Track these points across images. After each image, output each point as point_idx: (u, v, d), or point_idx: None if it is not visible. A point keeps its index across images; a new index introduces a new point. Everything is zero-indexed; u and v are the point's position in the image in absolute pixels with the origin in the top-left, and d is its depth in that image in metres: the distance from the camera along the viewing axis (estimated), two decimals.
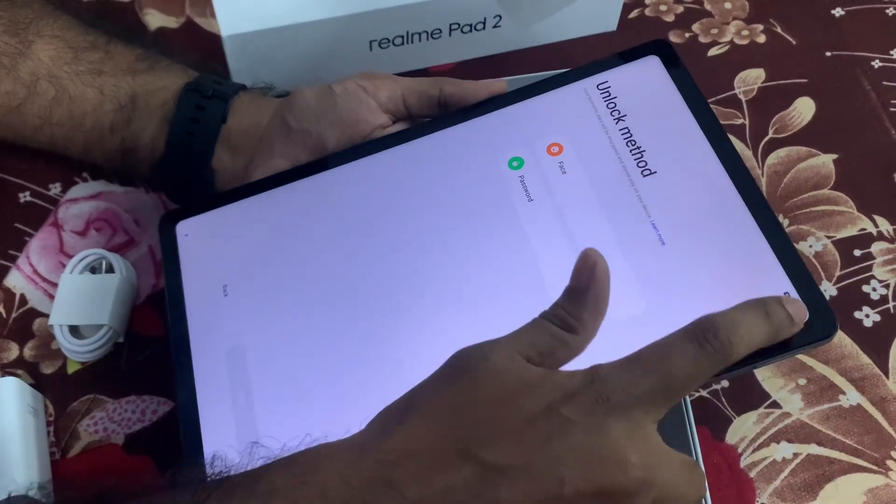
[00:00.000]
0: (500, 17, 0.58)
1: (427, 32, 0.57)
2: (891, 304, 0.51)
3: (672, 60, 0.46)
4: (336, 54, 0.56)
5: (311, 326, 0.43)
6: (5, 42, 0.50)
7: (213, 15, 0.59)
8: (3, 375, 0.48)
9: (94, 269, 0.50)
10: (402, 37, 0.56)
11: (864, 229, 0.54)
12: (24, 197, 0.54)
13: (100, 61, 0.51)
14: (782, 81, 0.60)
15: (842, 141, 0.57)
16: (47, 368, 0.49)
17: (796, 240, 0.53)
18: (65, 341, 0.48)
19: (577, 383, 0.32)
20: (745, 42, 0.62)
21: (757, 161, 0.56)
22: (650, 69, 0.46)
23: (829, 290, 0.51)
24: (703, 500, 0.42)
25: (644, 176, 0.43)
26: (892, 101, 0.59)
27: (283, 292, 0.44)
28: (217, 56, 0.55)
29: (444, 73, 0.60)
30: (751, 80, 0.60)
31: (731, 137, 0.56)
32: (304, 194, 0.47)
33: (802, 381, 0.48)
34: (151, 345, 0.49)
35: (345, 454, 0.32)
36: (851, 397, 0.48)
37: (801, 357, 0.49)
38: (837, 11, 0.63)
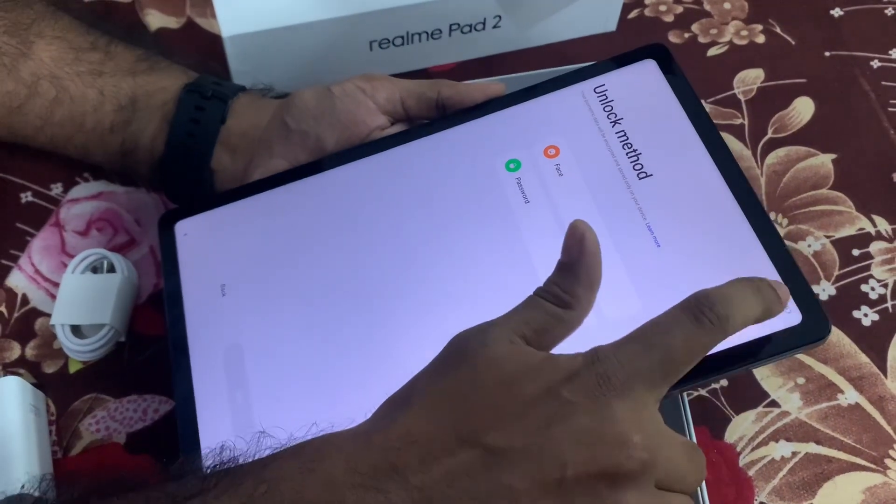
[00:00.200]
0: (500, 17, 0.58)
1: (427, 33, 0.57)
2: (889, 304, 0.51)
3: (668, 64, 0.46)
4: (336, 55, 0.56)
5: (309, 326, 0.43)
6: (6, 42, 0.50)
7: (213, 15, 0.59)
8: (5, 375, 0.48)
9: (95, 269, 0.50)
10: (403, 37, 0.57)
11: (863, 229, 0.54)
12: (26, 197, 0.55)
13: (100, 62, 0.51)
14: (781, 81, 0.60)
15: (841, 141, 0.57)
16: (49, 368, 0.49)
17: (795, 239, 0.53)
18: (66, 341, 0.48)
19: (578, 365, 0.33)
20: (744, 42, 0.62)
21: (756, 161, 0.56)
22: (647, 73, 0.46)
23: (827, 289, 0.52)
24: (702, 499, 0.42)
25: (640, 179, 0.43)
26: (891, 101, 0.59)
27: (281, 292, 0.44)
28: (217, 56, 0.55)
29: (444, 73, 0.60)
30: (750, 80, 0.60)
31: (731, 137, 0.57)
32: (302, 195, 0.47)
33: (801, 380, 0.49)
34: (153, 344, 0.49)
35: (350, 442, 0.32)
36: (850, 396, 0.48)
37: (800, 356, 0.49)
38: (836, 12, 0.63)
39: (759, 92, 0.59)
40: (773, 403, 0.48)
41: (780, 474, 0.46)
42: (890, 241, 0.53)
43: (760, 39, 0.62)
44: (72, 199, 0.54)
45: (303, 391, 0.42)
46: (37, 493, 0.37)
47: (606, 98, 0.46)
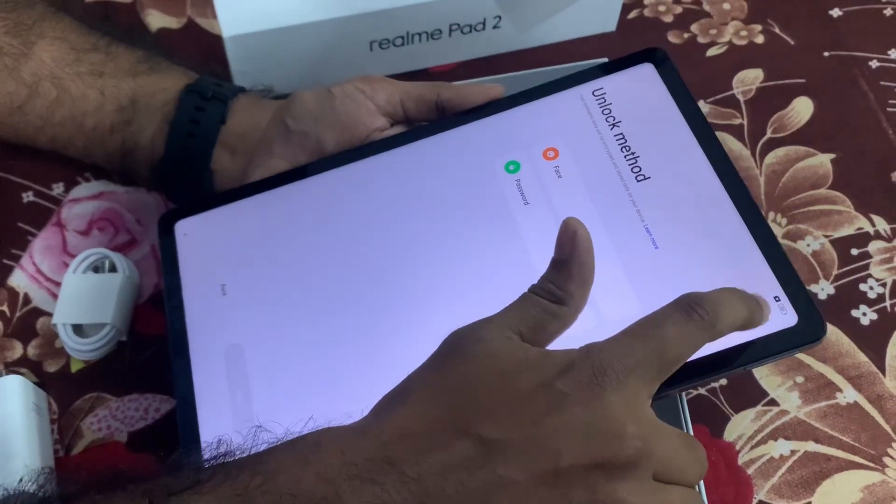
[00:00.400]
0: (500, 17, 0.58)
1: (427, 33, 0.57)
2: (888, 303, 0.51)
3: (666, 68, 0.47)
4: (337, 55, 0.56)
5: (309, 325, 0.43)
6: (8, 43, 0.50)
7: (214, 16, 0.60)
8: (7, 374, 0.48)
9: (97, 269, 0.51)
10: (403, 37, 0.57)
11: (862, 228, 0.54)
12: (28, 197, 0.55)
13: (101, 63, 0.51)
14: (780, 81, 0.60)
15: (840, 141, 0.57)
16: (51, 367, 0.49)
17: (794, 239, 0.54)
18: (68, 340, 0.48)
19: (573, 358, 0.33)
20: (743, 42, 0.62)
21: (755, 161, 0.57)
22: (645, 76, 0.47)
23: (826, 288, 0.52)
24: (701, 498, 0.42)
25: (638, 181, 0.43)
26: (890, 101, 0.59)
27: (280, 291, 0.45)
28: (218, 57, 0.55)
29: (444, 73, 0.60)
30: (749, 80, 0.60)
31: (730, 137, 0.57)
32: (302, 195, 0.47)
33: (800, 379, 0.49)
34: (154, 343, 0.50)
35: (347, 436, 0.33)
36: (848, 395, 0.48)
37: (799, 355, 0.49)
38: (835, 12, 0.64)
39: (759, 92, 0.60)
40: (773, 402, 0.48)
41: (779, 473, 0.46)
42: (888, 240, 0.54)
43: (759, 40, 0.62)
44: (73, 199, 0.55)
45: (303, 390, 0.42)
46: (34, 488, 0.37)
47: (605, 101, 0.46)
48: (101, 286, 0.49)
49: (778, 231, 0.54)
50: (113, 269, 0.50)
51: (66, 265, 0.51)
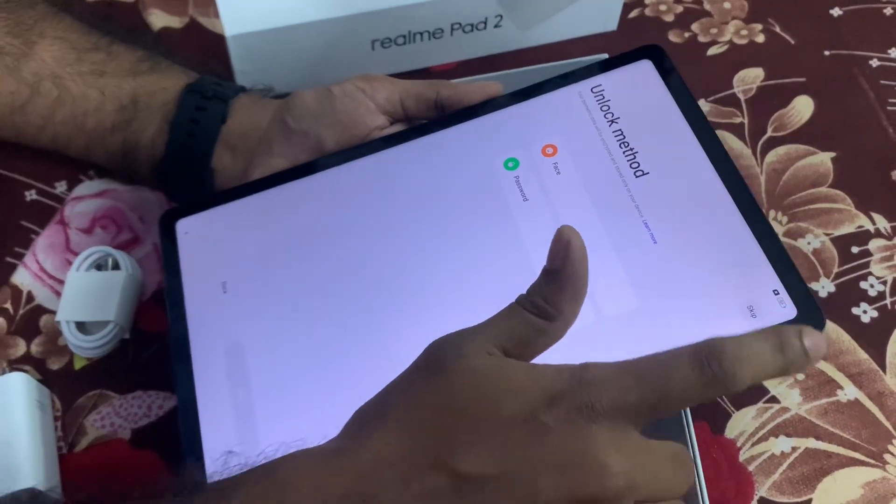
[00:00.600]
0: (501, 17, 0.58)
1: (429, 32, 0.57)
2: (888, 301, 0.52)
3: (664, 65, 0.47)
4: (338, 53, 0.56)
5: (310, 323, 0.43)
6: (9, 43, 0.50)
7: (216, 15, 0.60)
8: (10, 371, 0.48)
9: (99, 267, 0.51)
10: (404, 36, 0.57)
11: (862, 227, 0.54)
12: (31, 195, 0.55)
13: (102, 62, 0.51)
14: (781, 80, 0.60)
15: (840, 139, 0.58)
16: (54, 364, 0.49)
17: (795, 237, 0.54)
18: (71, 337, 0.48)
19: (563, 385, 0.31)
20: (744, 41, 0.62)
21: (756, 159, 0.57)
22: (643, 73, 0.47)
23: (827, 286, 0.52)
24: (701, 494, 0.43)
25: (637, 177, 0.44)
26: (890, 100, 0.59)
27: (281, 290, 0.45)
28: (220, 56, 0.56)
29: (445, 72, 0.60)
30: (750, 79, 0.60)
31: (731, 136, 0.58)
32: (302, 193, 0.47)
33: (801, 377, 0.49)
34: (157, 341, 0.50)
35: (319, 467, 0.31)
36: (849, 392, 0.48)
37: None
38: (836, 11, 0.64)
39: (759, 91, 0.60)
40: (773, 399, 0.48)
41: (780, 469, 0.46)
42: (889, 238, 0.54)
43: (760, 39, 0.62)
44: (76, 197, 0.55)
45: (304, 388, 0.42)
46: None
47: (603, 98, 0.46)
48: (104, 284, 0.49)
49: (779, 229, 0.54)
50: (116, 266, 0.50)
51: (69, 263, 0.51)
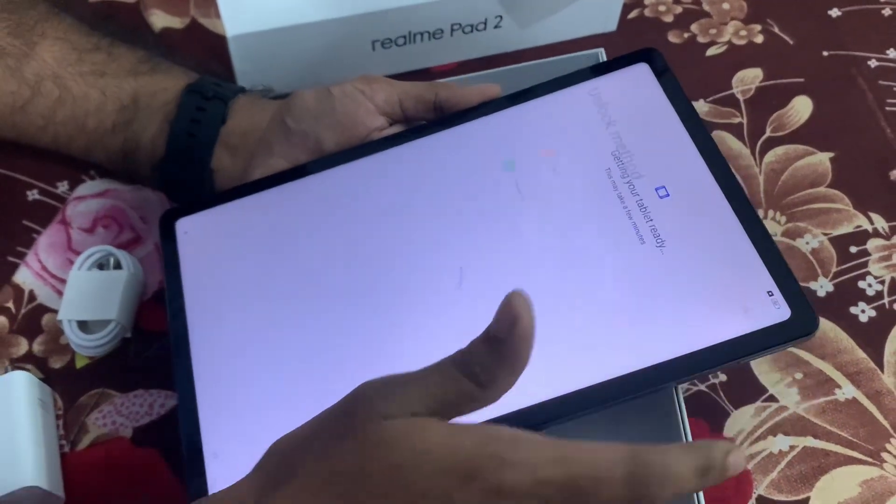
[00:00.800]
0: (501, 17, 0.58)
1: (429, 33, 0.57)
2: (886, 300, 0.52)
3: (661, 68, 0.47)
4: (339, 54, 0.57)
5: (309, 322, 0.43)
6: (10, 43, 0.51)
7: (217, 15, 0.60)
8: (12, 370, 0.49)
9: (101, 266, 0.51)
10: (405, 37, 0.57)
11: (860, 226, 0.54)
12: (33, 195, 0.55)
13: (103, 63, 0.51)
14: (780, 81, 0.60)
15: (838, 139, 0.58)
16: (56, 363, 0.50)
17: (793, 237, 0.54)
18: (73, 336, 0.48)
19: (481, 462, 0.29)
20: (742, 42, 0.62)
21: (755, 159, 0.57)
22: (639, 76, 0.47)
23: (825, 286, 0.52)
24: (697, 495, 0.42)
25: (633, 179, 0.44)
26: (888, 100, 0.59)
27: (280, 288, 0.45)
28: (221, 56, 0.56)
29: (445, 73, 0.60)
30: (748, 79, 0.60)
31: (729, 136, 0.58)
32: (302, 194, 0.47)
33: (799, 376, 0.49)
34: (158, 340, 0.50)
35: None
36: (847, 391, 0.49)
37: (798, 352, 0.50)
38: (834, 12, 0.64)
39: (758, 91, 0.60)
40: (772, 398, 0.48)
41: (779, 468, 0.47)
42: (887, 238, 0.54)
43: (759, 39, 0.62)
44: (78, 197, 0.55)
45: (304, 387, 0.42)
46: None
47: (600, 101, 0.47)
48: (105, 283, 0.49)
49: (777, 229, 0.54)
50: (118, 266, 0.50)
51: (71, 262, 0.52)
